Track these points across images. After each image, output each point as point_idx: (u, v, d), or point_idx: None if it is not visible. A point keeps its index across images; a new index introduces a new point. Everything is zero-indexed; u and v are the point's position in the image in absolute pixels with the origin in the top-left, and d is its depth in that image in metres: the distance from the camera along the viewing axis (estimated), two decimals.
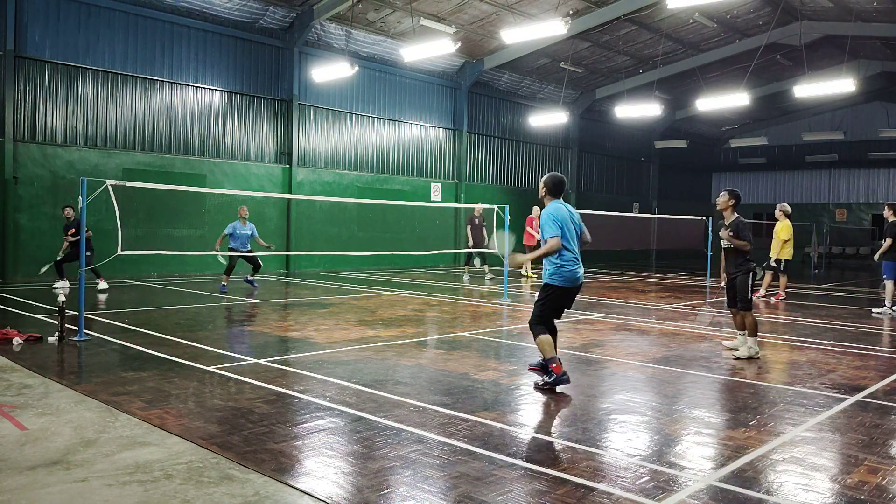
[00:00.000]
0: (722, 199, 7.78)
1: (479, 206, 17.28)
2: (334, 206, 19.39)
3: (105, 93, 15.84)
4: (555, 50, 22.07)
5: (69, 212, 13.10)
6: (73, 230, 12.66)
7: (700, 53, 23.58)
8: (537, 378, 6.08)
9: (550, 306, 6.04)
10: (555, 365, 5.88)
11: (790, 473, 4.06)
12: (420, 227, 21.76)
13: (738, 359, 7.46)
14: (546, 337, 5.94)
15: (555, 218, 5.89)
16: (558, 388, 5.91)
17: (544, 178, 6.19)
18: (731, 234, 7.56)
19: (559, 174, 6.23)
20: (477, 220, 17.23)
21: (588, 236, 6.23)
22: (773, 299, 13.61)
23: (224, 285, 13.29)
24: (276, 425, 4.77)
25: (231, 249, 13.22)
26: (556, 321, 6.21)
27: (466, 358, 7.27)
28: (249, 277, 14.01)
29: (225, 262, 13.31)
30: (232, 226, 13.26)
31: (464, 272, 18.14)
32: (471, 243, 17.04)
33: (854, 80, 18.31)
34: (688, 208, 28.75)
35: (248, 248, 13.51)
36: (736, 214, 7.74)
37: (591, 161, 29.53)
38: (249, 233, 13.38)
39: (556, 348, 6.01)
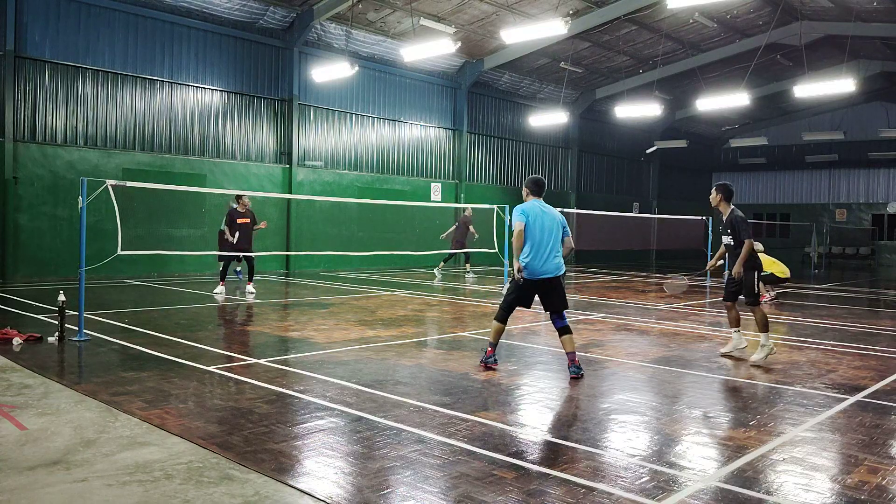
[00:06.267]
0: (712, 196, 7.66)
1: (469, 208, 17.99)
2: (334, 206, 19.39)
3: (105, 93, 15.84)
4: (555, 50, 22.06)
5: (246, 202, 12.61)
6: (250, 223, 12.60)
7: (700, 53, 23.57)
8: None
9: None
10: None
11: (790, 473, 4.06)
12: (420, 228, 21.75)
13: (755, 365, 7.07)
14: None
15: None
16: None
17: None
18: (738, 272, 7.31)
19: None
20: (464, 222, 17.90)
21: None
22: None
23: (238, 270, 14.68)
24: (276, 425, 4.77)
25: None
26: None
27: (466, 358, 7.27)
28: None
29: None
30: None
31: (468, 273, 18.48)
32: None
33: (854, 80, 18.31)
34: (688, 208, 28.75)
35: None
36: (732, 207, 7.54)
37: (591, 161, 29.52)
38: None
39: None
